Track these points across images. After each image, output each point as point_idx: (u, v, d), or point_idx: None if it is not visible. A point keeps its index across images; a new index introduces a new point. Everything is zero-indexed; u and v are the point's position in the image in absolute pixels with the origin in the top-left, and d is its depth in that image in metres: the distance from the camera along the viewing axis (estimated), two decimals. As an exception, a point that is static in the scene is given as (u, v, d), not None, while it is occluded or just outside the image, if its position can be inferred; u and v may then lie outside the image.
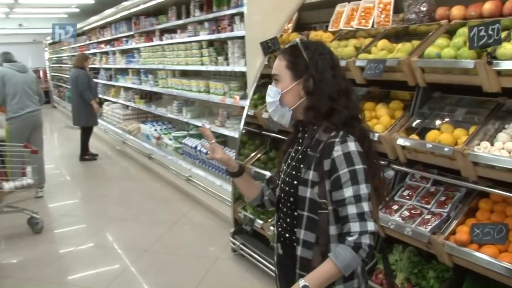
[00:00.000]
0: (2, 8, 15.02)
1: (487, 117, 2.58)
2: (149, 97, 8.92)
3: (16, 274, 4.15)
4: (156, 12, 7.54)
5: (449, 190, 2.74)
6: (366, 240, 1.55)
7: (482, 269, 2.29)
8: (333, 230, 1.66)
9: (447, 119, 2.84)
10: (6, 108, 5.84)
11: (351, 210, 1.58)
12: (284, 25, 4.23)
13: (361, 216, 1.57)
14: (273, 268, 3.67)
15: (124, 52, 9.55)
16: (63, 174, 7.88)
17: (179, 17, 6.59)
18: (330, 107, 1.69)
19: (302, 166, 1.73)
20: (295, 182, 1.74)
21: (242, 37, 4.73)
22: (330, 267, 1.58)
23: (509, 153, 2.29)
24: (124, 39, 9.26)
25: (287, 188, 1.79)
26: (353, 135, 1.68)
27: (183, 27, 6.54)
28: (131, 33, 8.66)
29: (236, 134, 4.95)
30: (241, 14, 4.78)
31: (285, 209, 1.82)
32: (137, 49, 8.51)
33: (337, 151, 1.62)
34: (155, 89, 7.84)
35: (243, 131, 4.35)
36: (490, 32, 2.31)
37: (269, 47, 4.03)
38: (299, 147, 1.82)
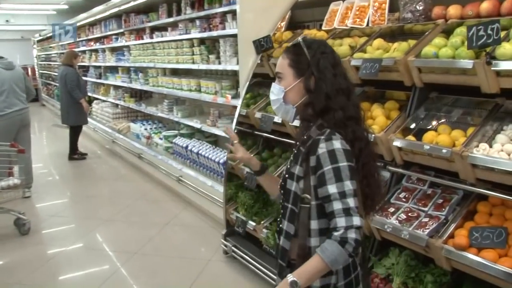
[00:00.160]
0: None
1: (485, 119, 2.53)
2: (139, 95, 8.82)
3: (3, 278, 4.05)
4: (146, 9, 7.44)
5: (446, 193, 2.69)
6: (352, 234, 1.57)
7: (481, 274, 2.24)
8: (314, 224, 1.72)
9: (444, 120, 2.80)
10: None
11: (337, 205, 1.60)
12: (277, 23, 4.17)
13: (346, 211, 1.59)
14: (265, 270, 3.64)
15: (114, 50, 9.43)
16: (52, 173, 7.75)
17: (170, 15, 6.50)
18: (325, 105, 1.72)
19: (292, 160, 1.82)
20: (286, 176, 1.83)
21: (234, 35, 4.66)
22: (318, 262, 1.60)
23: (509, 155, 2.25)
24: (114, 36, 9.14)
25: (281, 181, 1.89)
26: (344, 135, 1.70)
27: (174, 25, 6.45)
28: (121, 30, 8.55)
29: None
30: (233, 12, 4.71)
31: (281, 201, 1.92)
32: (127, 47, 8.41)
33: (322, 148, 1.66)
34: (145, 87, 7.73)
35: (235, 131, 4.27)
36: (489, 31, 2.27)
37: (262, 46, 3.97)
38: (298, 143, 1.87)
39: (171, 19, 6.35)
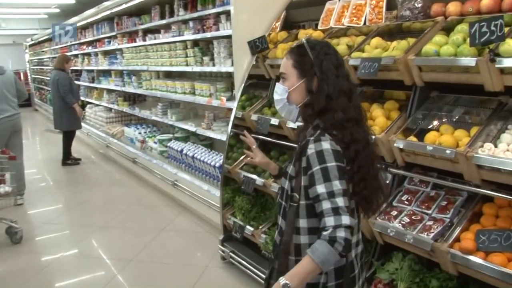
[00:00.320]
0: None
1: (489, 117, 2.46)
2: (133, 99, 8.72)
3: (-4, 288, 3.96)
4: (138, 11, 7.35)
5: (450, 194, 2.61)
6: (341, 233, 1.57)
7: (490, 279, 2.17)
8: (303, 223, 1.75)
9: (445, 120, 2.73)
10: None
11: (326, 205, 1.61)
12: (272, 23, 4.10)
13: (335, 211, 1.60)
14: (264, 276, 3.55)
15: (106, 53, 9.33)
16: (45, 179, 7.63)
17: (162, 17, 6.41)
18: (325, 106, 1.73)
19: (289, 159, 1.87)
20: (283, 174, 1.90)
21: (229, 37, 4.58)
22: (308, 263, 1.60)
23: (515, 155, 2.18)
24: (106, 40, 9.04)
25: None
26: (340, 136, 1.70)
27: (167, 27, 6.36)
28: (114, 33, 8.45)
29: (223, 137, 4.80)
30: (227, 13, 4.63)
31: (278, 198, 1.95)
32: (120, 50, 8.31)
33: (311, 149, 1.68)
34: (139, 91, 7.63)
35: (231, 134, 4.19)
36: (492, 28, 2.20)
37: (257, 46, 3.91)
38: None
39: (164, 21, 6.27)
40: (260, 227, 3.74)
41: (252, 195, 4.01)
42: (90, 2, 9.72)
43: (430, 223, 2.46)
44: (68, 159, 8.38)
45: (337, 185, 1.62)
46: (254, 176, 3.81)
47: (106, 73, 9.47)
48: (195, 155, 5.31)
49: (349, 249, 1.70)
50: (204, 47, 5.61)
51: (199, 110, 6.47)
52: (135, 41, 7.53)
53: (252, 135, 4.01)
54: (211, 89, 5.30)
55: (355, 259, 1.83)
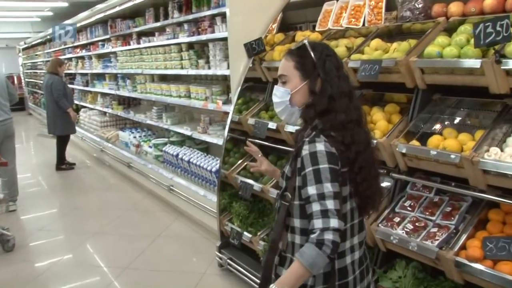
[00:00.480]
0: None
1: (494, 121, 2.39)
2: (127, 103, 8.61)
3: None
4: (132, 14, 7.25)
5: (454, 200, 2.54)
6: (329, 236, 1.56)
7: (497, 288, 2.09)
8: (297, 223, 1.75)
9: (448, 123, 2.65)
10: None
11: (315, 207, 1.61)
12: (268, 25, 4.02)
13: (324, 213, 1.59)
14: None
15: (100, 56, 9.22)
16: (39, 184, 7.50)
17: (157, 19, 6.32)
18: (327, 107, 1.73)
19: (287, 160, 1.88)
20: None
21: (224, 39, 4.50)
22: (298, 267, 1.60)
23: (523, 160, 2.11)
24: (100, 43, 8.92)
25: None
26: (340, 138, 1.69)
27: (161, 30, 6.27)
28: (107, 36, 8.35)
29: (219, 141, 4.71)
30: (222, 15, 4.55)
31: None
32: (114, 53, 8.20)
33: (305, 150, 1.67)
34: (133, 94, 7.53)
35: (228, 138, 4.11)
36: (498, 28, 2.13)
37: (254, 49, 3.83)
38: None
39: (158, 24, 6.18)
40: (258, 233, 3.65)
41: (249, 201, 3.93)
42: (84, 5, 9.66)
43: (435, 230, 2.38)
44: (62, 163, 8.27)
45: (328, 187, 1.61)
46: (251, 182, 3.73)
47: (100, 77, 9.36)
48: (191, 160, 5.22)
49: (337, 251, 1.65)
50: (199, 50, 5.52)
51: (195, 113, 6.37)
52: (129, 44, 7.43)
53: (249, 139, 3.98)
54: (206, 92, 5.21)
55: (351, 265, 1.78)
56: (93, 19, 8.57)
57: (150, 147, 6.76)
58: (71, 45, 11.07)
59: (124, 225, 5.40)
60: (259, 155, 2.23)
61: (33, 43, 15.70)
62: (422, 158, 2.48)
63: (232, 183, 4.06)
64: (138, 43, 7.04)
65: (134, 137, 7.42)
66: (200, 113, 5.72)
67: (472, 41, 2.33)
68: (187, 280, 3.96)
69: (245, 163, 4.05)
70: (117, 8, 7.07)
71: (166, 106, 6.80)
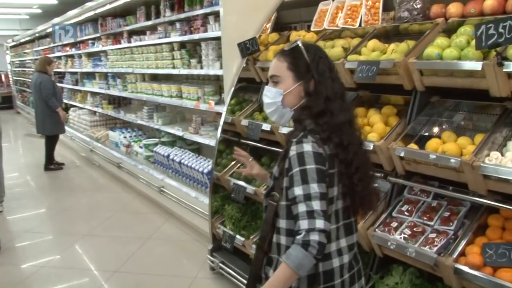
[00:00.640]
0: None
1: (495, 124, 2.34)
2: (118, 102, 8.49)
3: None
4: (123, 12, 7.15)
5: (452, 205, 2.49)
6: (314, 237, 1.55)
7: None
8: (283, 223, 1.75)
9: (446, 126, 2.61)
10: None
11: (301, 208, 1.60)
12: (262, 25, 3.96)
13: (310, 214, 1.58)
14: None
15: (90, 55, 9.10)
16: (26, 185, 7.37)
17: (148, 18, 6.22)
18: (323, 108, 1.72)
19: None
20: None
21: (217, 38, 4.42)
22: (285, 269, 1.60)
23: (524, 164, 2.06)
24: (90, 41, 8.80)
25: None
26: (337, 139, 1.69)
27: (152, 28, 6.18)
28: (98, 35, 8.23)
29: (211, 142, 4.63)
30: (215, 14, 4.48)
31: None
32: (104, 52, 8.09)
33: (293, 151, 1.67)
34: (124, 94, 7.41)
35: (220, 139, 4.03)
36: (500, 30, 2.07)
37: (248, 49, 3.77)
38: None
39: (149, 22, 6.08)
40: (251, 236, 3.58)
41: (242, 204, 3.86)
42: (73, 2, 9.51)
43: (433, 235, 2.33)
44: (51, 163, 8.14)
45: (314, 188, 1.60)
46: (244, 184, 3.66)
47: (90, 76, 9.23)
48: (182, 161, 5.14)
49: (324, 252, 1.63)
50: (192, 49, 5.44)
51: (186, 114, 6.28)
52: (120, 43, 7.33)
53: (242, 140, 3.92)
54: (198, 92, 5.13)
55: (339, 269, 1.75)
56: (83, 17, 8.46)
57: (141, 147, 6.65)
58: (60, 44, 10.91)
59: (113, 227, 5.30)
60: (250, 160, 2.19)
61: (22, 40, 15.50)
62: (421, 162, 2.43)
63: (225, 185, 3.98)
64: (129, 42, 6.94)
65: (125, 137, 7.31)
66: (192, 113, 5.63)
67: (472, 42, 2.29)
68: (178, 283, 3.89)
69: (238, 165, 3.98)
70: (108, 6, 6.96)
71: (157, 106, 6.70)
